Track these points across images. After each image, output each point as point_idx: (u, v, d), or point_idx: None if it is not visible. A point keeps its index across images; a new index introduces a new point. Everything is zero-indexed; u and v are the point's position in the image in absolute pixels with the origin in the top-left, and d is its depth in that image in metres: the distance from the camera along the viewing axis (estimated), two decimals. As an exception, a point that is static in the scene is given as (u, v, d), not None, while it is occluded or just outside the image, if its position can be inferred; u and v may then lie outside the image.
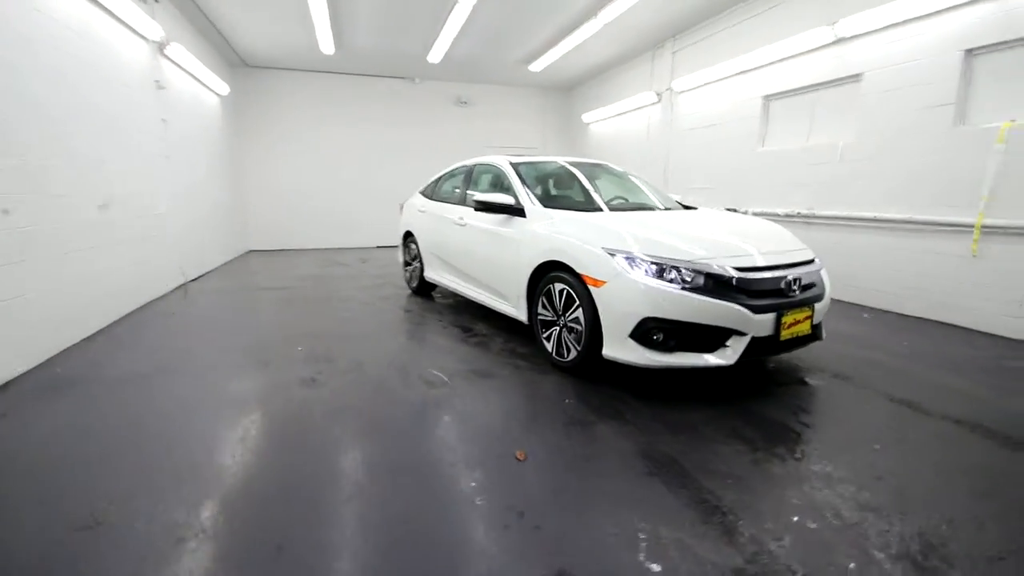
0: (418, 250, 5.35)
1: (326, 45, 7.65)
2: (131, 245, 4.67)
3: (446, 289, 5.18)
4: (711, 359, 2.66)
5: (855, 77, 5.05)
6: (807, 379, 3.11)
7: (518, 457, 2.17)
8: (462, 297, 5.30)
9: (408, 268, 5.76)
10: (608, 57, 8.77)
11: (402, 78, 10.14)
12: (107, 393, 2.85)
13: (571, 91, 11.19)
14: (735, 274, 2.67)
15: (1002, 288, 3.94)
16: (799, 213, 5.61)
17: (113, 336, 3.94)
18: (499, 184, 4.25)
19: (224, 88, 7.84)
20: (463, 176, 4.75)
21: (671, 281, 2.66)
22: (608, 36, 7.49)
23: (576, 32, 7.21)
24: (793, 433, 2.42)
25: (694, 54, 7.22)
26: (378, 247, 10.43)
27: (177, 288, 5.83)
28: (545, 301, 3.29)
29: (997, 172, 3.94)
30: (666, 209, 3.89)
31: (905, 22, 4.50)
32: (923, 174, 4.47)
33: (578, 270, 2.93)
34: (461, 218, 4.36)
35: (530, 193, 3.73)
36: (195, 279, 6.48)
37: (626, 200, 4.01)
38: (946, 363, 3.39)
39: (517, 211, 3.65)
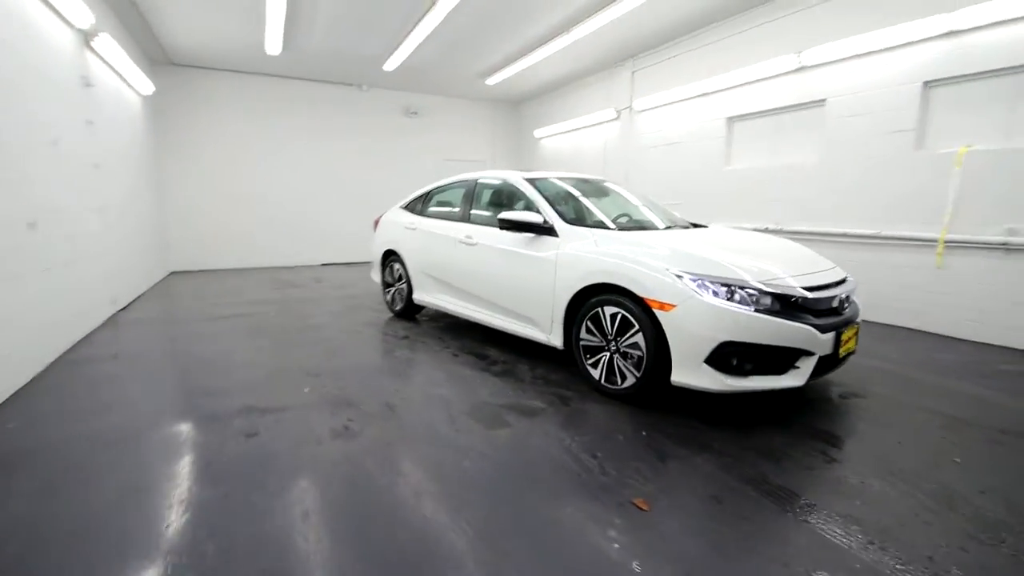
0: (404, 270, 4.95)
1: (273, 45, 6.97)
2: (60, 270, 3.83)
3: (436, 311, 4.82)
4: (785, 381, 2.63)
5: (820, 102, 5.45)
6: (840, 393, 3.20)
7: (641, 507, 1.96)
8: (452, 318, 4.98)
9: (389, 289, 5.31)
10: (563, 74, 8.85)
11: (349, 85, 9.54)
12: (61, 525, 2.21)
13: (519, 105, 11.20)
14: (802, 293, 2.67)
15: (966, 297, 4.39)
16: (767, 228, 5.94)
17: (43, 394, 3.17)
18: (512, 201, 4.04)
19: (148, 87, 6.86)
20: (463, 192, 4.46)
21: (741, 302, 2.60)
22: (566, 53, 7.55)
23: (543, 48, 7.19)
24: (876, 452, 2.44)
25: (655, 74, 7.47)
26: (324, 265, 9.67)
27: (108, 320, 4.91)
28: (590, 325, 3.11)
29: (957, 192, 4.39)
30: (673, 227, 3.81)
31: (868, 54, 4.93)
32: (888, 193, 4.90)
33: (639, 293, 2.79)
34: (469, 237, 4.07)
35: (555, 211, 3.55)
36: (124, 308, 5.52)
37: (630, 218, 3.93)
38: (947, 369, 3.66)
39: (545, 230, 3.45)
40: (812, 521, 1.87)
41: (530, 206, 3.72)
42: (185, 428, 2.63)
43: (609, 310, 2.98)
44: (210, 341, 4.31)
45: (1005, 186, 4.13)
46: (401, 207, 5.32)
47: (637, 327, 2.83)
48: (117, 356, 3.86)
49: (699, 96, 6.78)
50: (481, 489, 2.09)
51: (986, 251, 4.27)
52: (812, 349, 2.64)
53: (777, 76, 5.79)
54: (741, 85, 6.21)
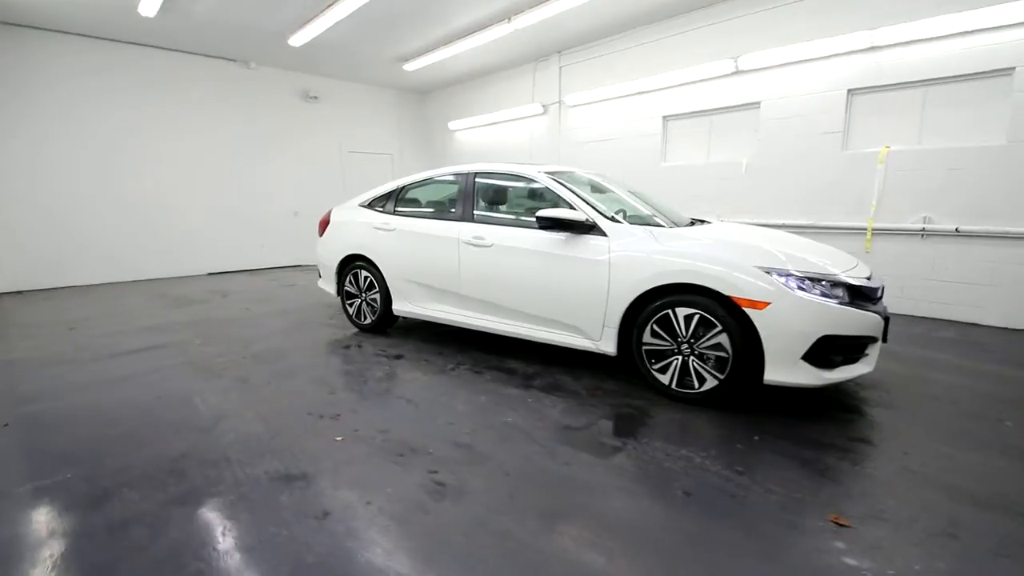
0: (379, 278, 4.25)
1: (149, 4, 5.52)
2: None
3: (410, 321, 4.25)
4: (861, 368, 2.73)
5: (755, 104, 5.94)
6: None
7: (841, 523, 1.83)
8: (432, 328, 4.43)
9: (353, 301, 4.53)
10: (485, 65, 8.52)
11: (232, 60, 8.04)
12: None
13: (427, 95, 10.56)
14: (867, 283, 2.79)
15: (890, 276, 5.13)
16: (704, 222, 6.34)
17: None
18: (534, 199, 3.67)
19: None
20: (458, 188, 3.93)
21: (826, 296, 2.63)
22: (493, 44, 7.25)
23: (474, 36, 6.79)
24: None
25: (586, 71, 7.53)
26: (213, 274, 8.08)
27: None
28: (657, 329, 2.92)
29: (880, 187, 5.10)
30: (682, 224, 3.78)
31: (800, 62, 5.48)
32: (820, 188, 5.52)
33: (726, 292, 2.67)
34: (479, 238, 3.60)
35: (595, 208, 3.29)
36: (-44, 352, 3.92)
37: (653, 212, 3.83)
38: (920, 341, 4.19)
39: (586, 229, 3.17)
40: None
41: (558, 203, 3.40)
42: (213, 516, 1.85)
43: (683, 311, 2.82)
44: (142, 387, 3.22)
45: (919, 181, 4.89)
46: (361, 205, 4.57)
47: (720, 327, 2.72)
48: (8, 424, 2.67)
49: (635, 94, 6.99)
50: (663, 536, 1.78)
51: (906, 237, 5.02)
52: (877, 336, 2.78)
53: (714, 79, 6.17)
54: (678, 85, 6.52)
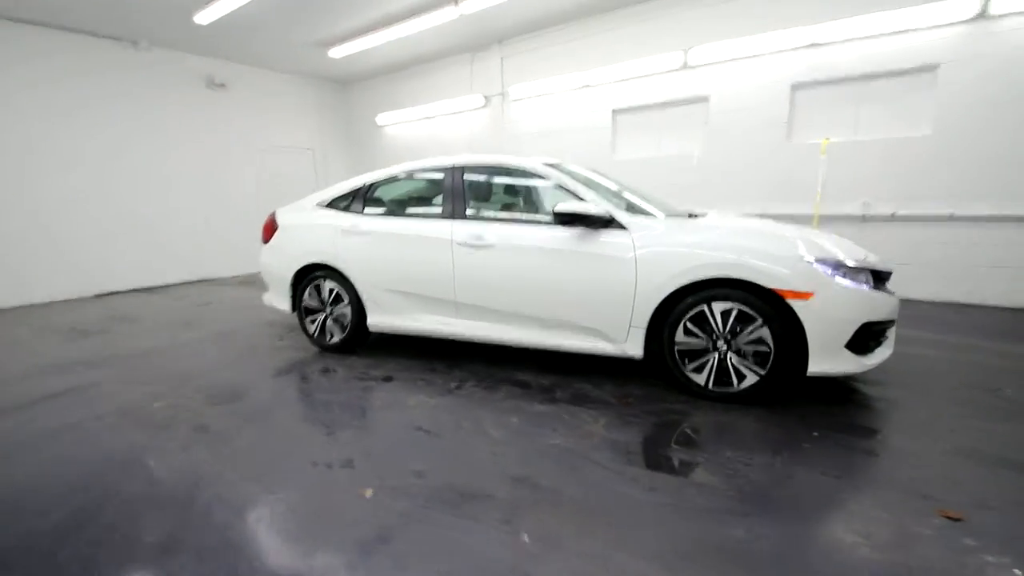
0: (348, 289, 3.70)
1: (7, -42, 4.37)
2: None
3: (386, 336, 3.79)
4: (886, 351, 2.77)
5: (704, 98, 6.08)
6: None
7: (953, 517, 1.76)
8: (406, 342, 3.96)
9: (314, 317, 3.91)
10: (417, 53, 7.99)
11: (118, 40, 6.74)
12: None
13: (351, 86, 9.74)
14: (886, 268, 2.84)
15: (836, 259, 5.49)
16: (663, 213, 6.43)
17: None
18: (531, 194, 3.36)
19: None
20: (443, 183, 3.49)
21: (861, 282, 2.63)
22: (430, 32, 6.80)
23: (419, 19, 6.29)
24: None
25: (530, 62, 7.31)
26: (101, 295, 6.76)
27: None
28: (691, 327, 2.76)
29: (824, 176, 5.43)
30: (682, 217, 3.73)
31: (747, 57, 5.67)
32: (768, 178, 5.78)
33: (768, 284, 2.56)
34: (477, 237, 3.21)
35: (611, 200, 3.06)
36: None
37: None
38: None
39: (603, 223, 2.93)
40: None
41: (564, 197, 3.12)
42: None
43: (720, 306, 2.68)
44: (73, 447, 2.44)
45: (858, 170, 5.27)
46: (319, 205, 3.95)
47: (760, 321, 2.61)
48: None
49: (583, 87, 6.89)
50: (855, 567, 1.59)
51: (848, 221, 5.40)
52: (895, 318, 2.84)
53: (664, 72, 6.24)
54: (627, 79, 6.51)
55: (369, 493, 2.01)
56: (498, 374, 3.32)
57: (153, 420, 2.77)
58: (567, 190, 3.10)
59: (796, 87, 5.51)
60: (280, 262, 4.00)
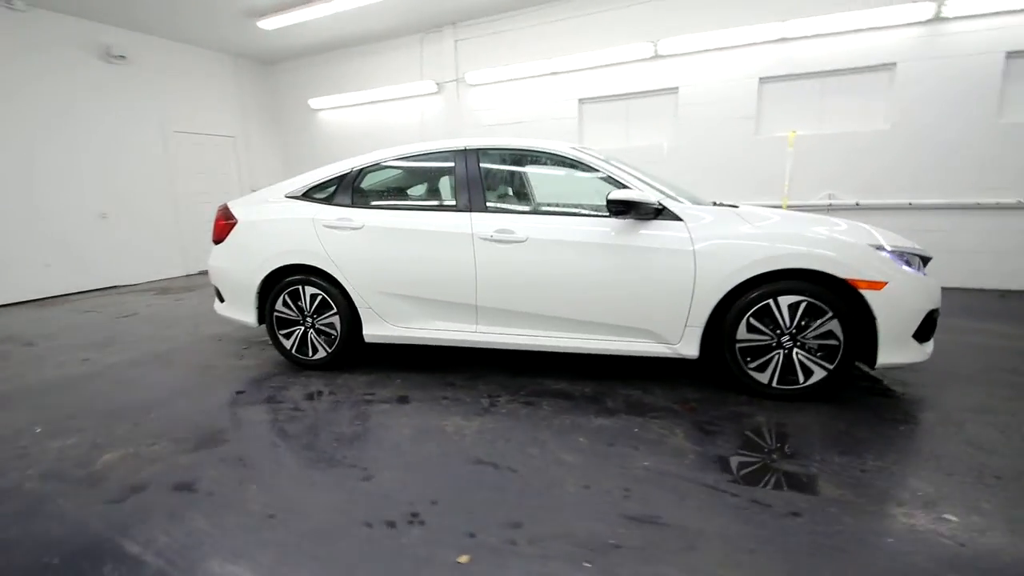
0: (338, 294, 3.10)
1: None
2: None
3: (371, 347, 3.27)
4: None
5: (673, 90, 6.04)
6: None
7: (1107, 514, 1.68)
8: (400, 354, 3.45)
9: (291, 330, 3.25)
10: (357, 32, 7.29)
11: (-23, -10, 5.35)
12: None
13: (278, 66, 8.69)
14: (927, 255, 2.83)
15: (803, 248, 5.69)
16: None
17: None
18: (559, 180, 2.98)
19: None
20: (457, 169, 2.99)
21: (919, 270, 2.58)
22: (376, 4, 6.17)
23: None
24: None
25: (489, 47, 6.88)
26: (-28, 313, 5.38)
27: None
28: (754, 322, 2.57)
29: (791, 168, 5.60)
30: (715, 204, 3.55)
31: (717, 49, 5.69)
32: (738, 170, 5.86)
33: (843, 275, 2.41)
34: (506, 232, 2.79)
35: (660, 187, 2.78)
36: None
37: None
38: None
39: (655, 213, 2.65)
40: None
41: (605, 182, 2.80)
42: None
43: (787, 300, 2.51)
44: (8, 530, 1.69)
45: (823, 162, 5.48)
46: (290, 196, 3.29)
47: (831, 313, 2.47)
48: None
49: (548, 75, 6.60)
50: None
51: (815, 212, 5.61)
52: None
53: (633, 62, 6.11)
54: (595, 67, 6.32)
55: (466, 559, 1.56)
56: (528, 384, 2.93)
57: (107, 482, 2.05)
58: (611, 178, 2.78)
59: (764, 80, 5.62)
60: (242, 265, 3.29)
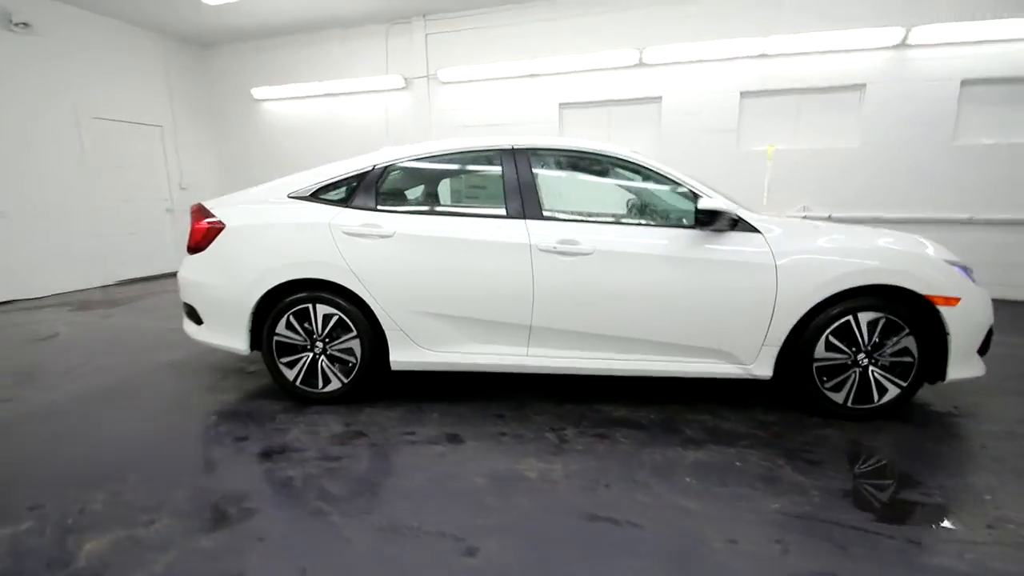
0: (359, 314, 2.62)
1: None
2: None
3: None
4: (976, 350, 2.83)
5: (656, 98, 6.03)
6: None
7: None
8: (423, 384, 3.03)
9: (297, 359, 2.70)
10: (312, 17, 6.63)
11: None
12: None
13: (215, 49, 7.70)
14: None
15: (780, 258, 5.89)
16: (614, 214, 6.26)
17: None
18: (622, 187, 2.74)
19: None
20: (504, 170, 2.63)
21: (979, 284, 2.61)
22: None
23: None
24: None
25: (467, 43, 6.51)
26: None
27: None
28: (832, 340, 2.46)
29: (770, 180, 5.78)
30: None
31: (700, 62, 5.74)
32: (718, 181, 5.89)
33: (922, 291, 2.37)
34: (570, 242, 2.47)
35: (725, 198, 2.61)
36: None
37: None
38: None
39: (731, 224, 2.47)
40: None
41: (673, 190, 2.60)
42: None
43: (866, 316, 2.43)
44: None
45: (798, 176, 5.70)
46: (294, 196, 2.75)
47: (907, 330, 2.43)
48: None
49: (528, 76, 6.35)
50: None
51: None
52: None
53: (616, 68, 6.03)
54: (576, 72, 6.17)
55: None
56: (586, 413, 2.64)
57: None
58: (678, 184, 2.58)
59: (745, 95, 5.76)
60: (231, 280, 2.69)
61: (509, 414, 2.64)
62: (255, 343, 2.76)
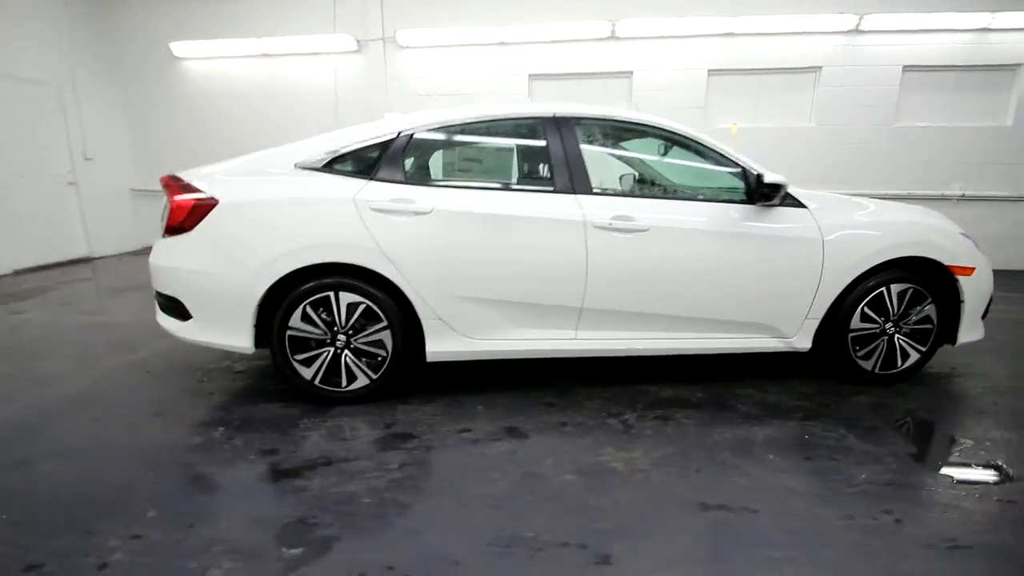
0: (389, 302, 2.32)
1: None
2: None
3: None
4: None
5: (627, 73, 5.98)
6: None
7: None
8: (451, 375, 2.82)
9: (317, 355, 2.35)
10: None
11: None
12: None
13: (117, -5, 6.51)
14: None
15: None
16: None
17: None
18: (668, 160, 2.64)
19: None
20: (551, 142, 2.42)
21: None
22: None
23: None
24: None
25: (428, 5, 6.02)
26: None
27: None
28: (867, 311, 2.56)
29: (734, 158, 5.97)
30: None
31: (671, 37, 5.74)
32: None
33: (946, 261, 2.52)
34: (625, 219, 2.33)
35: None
36: None
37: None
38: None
39: (782, 199, 2.47)
40: None
41: (720, 163, 2.55)
42: None
43: (897, 287, 2.54)
44: None
45: (759, 154, 5.92)
46: (307, 167, 2.35)
47: (929, 299, 2.58)
48: None
49: (497, 44, 6.03)
50: None
51: (753, 200, 6.09)
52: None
53: (589, 40, 5.89)
54: (548, 42, 5.95)
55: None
56: (636, 396, 2.56)
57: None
58: (725, 158, 2.53)
59: (712, 72, 5.87)
60: (231, 267, 2.26)
61: (558, 401, 2.49)
62: (262, 340, 2.37)
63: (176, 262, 2.33)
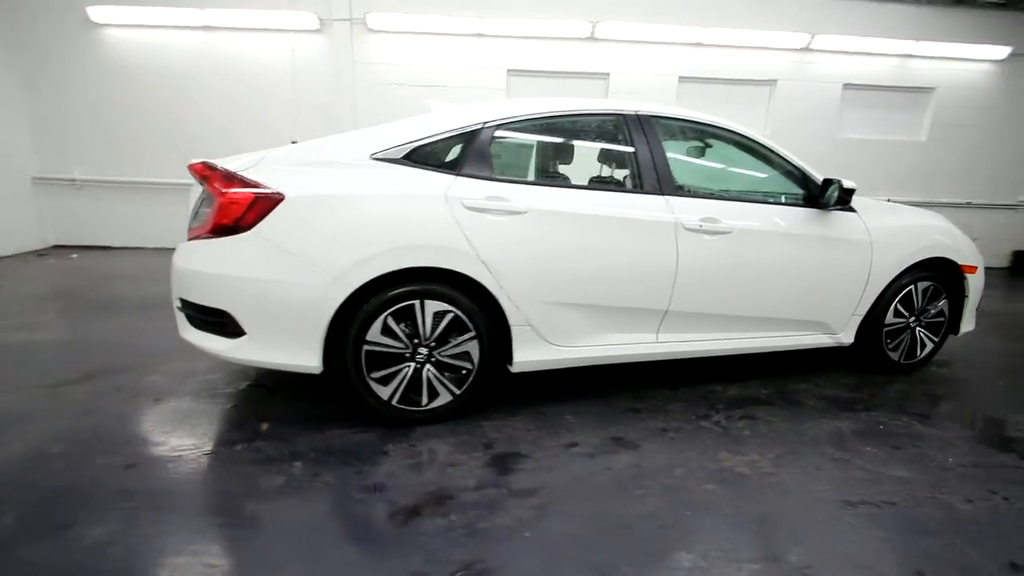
0: (478, 310, 2.13)
1: None
2: None
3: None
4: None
5: (604, 75, 6.06)
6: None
7: None
8: (533, 385, 2.70)
9: (397, 371, 2.09)
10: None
11: None
12: None
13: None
14: None
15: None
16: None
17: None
18: (727, 164, 2.72)
19: None
20: (636, 141, 2.35)
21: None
22: None
23: None
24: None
25: (401, -13, 5.64)
26: None
27: None
28: (899, 307, 2.81)
29: (701, 161, 6.30)
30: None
31: (646, 42, 5.91)
32: (658, 160, 6.30)
33: (959, 260, 2.84)
34: (711, 221, 2.34)
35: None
36: None
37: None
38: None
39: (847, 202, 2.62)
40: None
41: (779, 167, 2.67)
42: None
43: (922, 285, 2.82)
44: None
45: (723, 159, 6.34)
46: (384, 158, 2.08)
47: (944, 296, 2.89)
48: None
49: (474, 35, 5.81)
50: None
51: (716, 202, 6.47)
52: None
53: (568, 39, 5.88)
54: (528, 38, 5.85)
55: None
56: (708, 396, 2.59)
57: None
58: (790, 164, 2.65)
59: (683, 80, 6.14)
60: (301, 274, 1.94)
61: (641, 406, 2.45)
62: (331, 356, 2.06)
63: (226, 268, 1.95)
